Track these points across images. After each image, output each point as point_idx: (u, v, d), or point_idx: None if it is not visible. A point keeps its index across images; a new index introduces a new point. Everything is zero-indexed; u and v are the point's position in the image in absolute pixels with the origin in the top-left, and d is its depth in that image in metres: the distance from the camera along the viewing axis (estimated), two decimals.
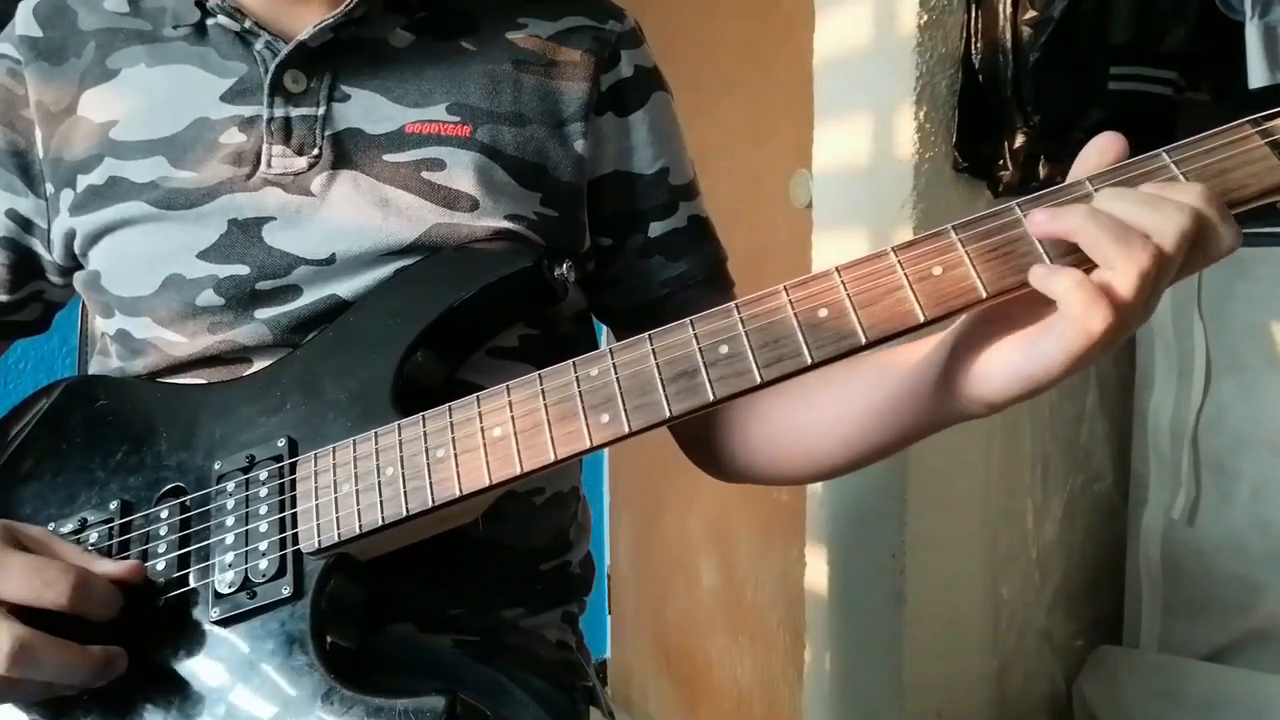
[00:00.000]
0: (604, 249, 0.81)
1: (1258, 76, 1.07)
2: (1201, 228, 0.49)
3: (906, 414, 0.64)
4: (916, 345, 0.62)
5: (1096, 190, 0.51)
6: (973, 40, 1.19)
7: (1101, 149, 0.53)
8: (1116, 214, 0.49)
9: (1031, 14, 1.13)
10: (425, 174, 0.71)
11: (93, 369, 0.82)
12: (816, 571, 1.40)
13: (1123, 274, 0.48)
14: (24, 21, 0.76)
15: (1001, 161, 1.21)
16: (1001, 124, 1.19)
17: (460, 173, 0.71)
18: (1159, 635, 1.40)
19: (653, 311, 0.80)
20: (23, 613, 0.56)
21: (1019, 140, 1.18)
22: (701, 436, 0.79)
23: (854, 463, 0.71)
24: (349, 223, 0.70)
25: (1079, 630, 1.48)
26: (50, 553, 0.60)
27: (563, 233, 0.76)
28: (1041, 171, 1.20)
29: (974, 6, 1.19)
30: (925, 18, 1.18)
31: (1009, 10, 1.15)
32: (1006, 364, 0.54)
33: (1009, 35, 1.15)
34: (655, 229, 0.80)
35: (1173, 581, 1.38)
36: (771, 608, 1.65)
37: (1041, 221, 0.51)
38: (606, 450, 1.82)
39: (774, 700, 1.67)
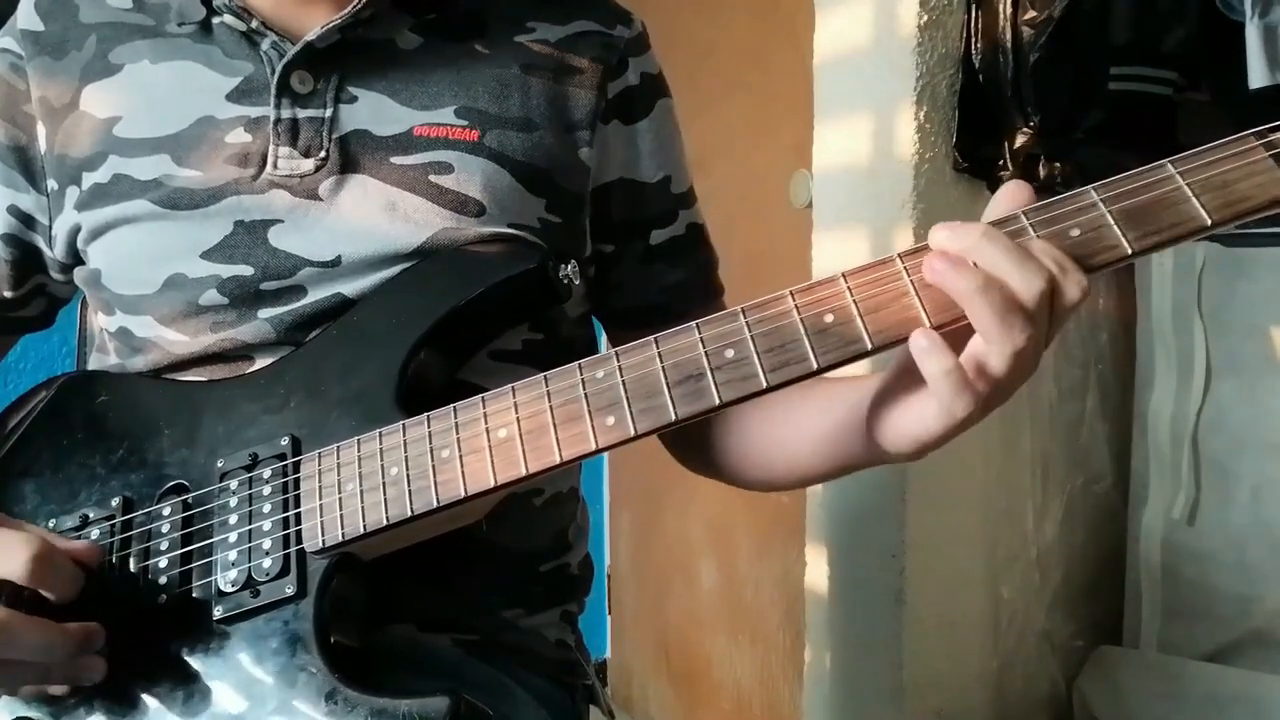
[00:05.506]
0: (606, 255, 0.81)
1: (1258, 76, 1.07)
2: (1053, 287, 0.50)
3: (844, 445, 0.66)
4: (863, 381, 0.64)
5: (1100, 200, 0.52)
6: (973, 40, 1.19)
7: (1011, 195, 0.54)
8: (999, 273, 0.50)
9: (1031, 14, 1.13)
10: (433, 177, 0.70)
11: (91, 365, 0.82)
12: (816, 571, 1.39)
13: (998, 353, 0.50)
14: (26, 15, 0.76)
15: (1001, 161, 1.21)
16: (1001, 124, 1.19)
17: (468, 177, 0.71)
18: (1159, 635, 1.39)
19: (650, 316, 0.81)
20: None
21: (1019, 140, 1.18)
22: (692, 439, 0.81)
23: (807, 480, 0.75)
24: (356, 226, 0.69)
25: (1079, 630, 1.47)
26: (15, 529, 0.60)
27: (565, 239, 0.76)
28: (1041, 171, 1.20)
29: (974, 6, 1.19)
30: (925, 18, 1.18)
31: (1009, 10, 1.15)
32: (899, 421, 0.57)
33: (1009, 35, 1.15)
34: (657, 236, 0.82)
35: (1173, 582, 1.38)
36: (771, 608, 1.65)
37: (936, 273, 0.51)
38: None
39: (774, 700, 1.67)
